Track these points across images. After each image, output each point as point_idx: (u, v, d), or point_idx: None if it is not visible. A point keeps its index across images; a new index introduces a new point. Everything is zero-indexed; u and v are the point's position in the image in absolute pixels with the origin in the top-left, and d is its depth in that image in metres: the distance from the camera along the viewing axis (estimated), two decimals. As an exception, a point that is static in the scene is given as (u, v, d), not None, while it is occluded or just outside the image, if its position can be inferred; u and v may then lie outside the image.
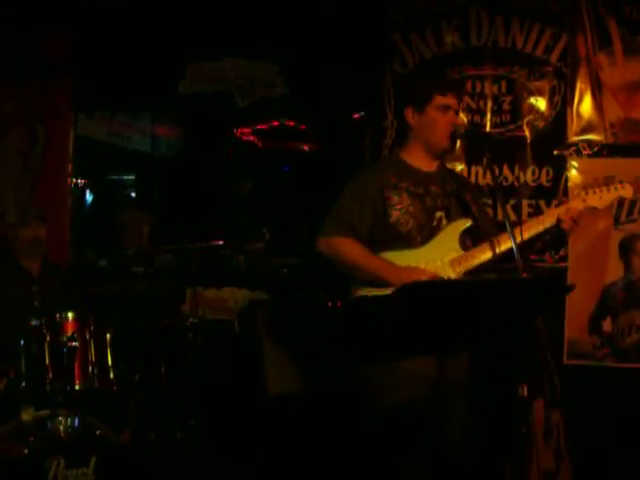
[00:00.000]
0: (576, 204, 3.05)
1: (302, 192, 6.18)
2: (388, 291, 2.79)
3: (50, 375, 3.47)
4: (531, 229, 3.03)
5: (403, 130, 3.32)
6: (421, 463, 2.90)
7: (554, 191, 4.48)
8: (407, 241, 3.07)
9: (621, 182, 3.12)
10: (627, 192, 3.08)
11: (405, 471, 2.92)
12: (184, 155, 7.25)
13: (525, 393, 2.98)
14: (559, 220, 3.00)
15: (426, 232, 3.08)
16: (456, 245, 3.05)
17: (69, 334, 3.53)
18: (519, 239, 2.87)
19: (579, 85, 4.49)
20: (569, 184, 4.46)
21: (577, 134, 4.48)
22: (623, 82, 4.45)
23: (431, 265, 2.99)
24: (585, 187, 3.15)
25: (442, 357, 2.55)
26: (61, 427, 3.37)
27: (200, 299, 4.26)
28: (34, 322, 3.49)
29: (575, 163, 4.48)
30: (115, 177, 8.02)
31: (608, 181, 4.12)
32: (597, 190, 3.07)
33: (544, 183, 4.50)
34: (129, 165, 7.69)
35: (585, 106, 4.48)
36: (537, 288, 2.44)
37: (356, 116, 4.97)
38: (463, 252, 3.04)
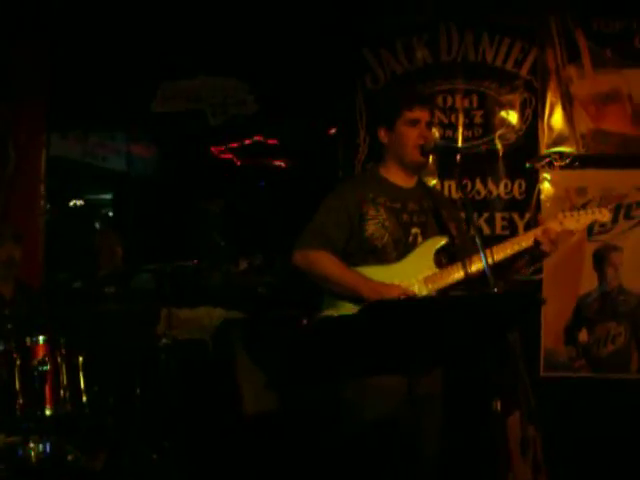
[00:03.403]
0: (553, 226, 3.05)
1: (277, 208, 6.17)
2: (355, 310, 2.80)
3: (21, 400, 3.42)
4: (506, 249, 3.02)
5: (376, 146, 3.33)
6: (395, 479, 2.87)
7: (527, 204, 4.50)
8: (382, 256, 3.06)
9: (598, 206, 3.15)
10: (604, 216, 3.09)
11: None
12: (160, 174, 7.22)
13: (499, 408, 2.98)
14: (538, 242, 3.00)
15: (401, 248, 3.07)
16: (431, 263, 3.04)
17: (40, 358, 3.48)
18: (492, 259, 2.88)
19: (549, 98, 4.53)
20: (542, 196, 4.49)
21: (549, 146, 4.52)
22: (592, 94, 4.50)
23: (405, 282, 2.98)
24: (563, 209, 3.16)
25: (413, 374, 2.53)
26: (32, 453, 3.33)
27: (174, 319, 4.23)
28: (2, 347, 3.44)
29: (547, 175, 4.51)
30: (91, 197, 7.98)
31: (589, 201, 4.20)
32: (575, 213, 3.08)
33: (517, 196, 4.52)
34: (105, 185, 7.65)
35: (556, 118, 4.52)
36: (507, 303, 2.44)
37: (329, 132, 4.98)
38: (438, 270, 3.03)
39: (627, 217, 4.41)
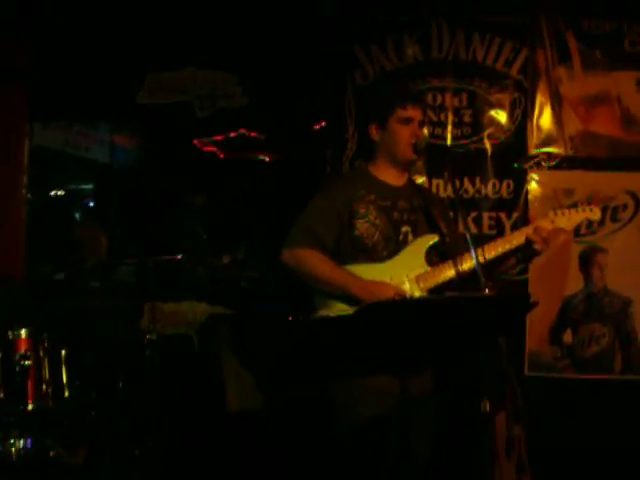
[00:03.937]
0: (545, 224, 3.03)
1: (263, 203, 6.13)
2: (350, 310, 2.78)
3: (2, 395, 3.37)
4: (498, 247, 3.01)
5: (364, 142, 3.30)
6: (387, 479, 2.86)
7: (515, 204, 4.50)
8: (372, 255, 3.04)
9: (590, 204, 3.15)
10: (595, 215, 3.09)
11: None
12: (143, 165, 7.16)
13: (487, 409, 2.97)
14: (530, 240, 2.99)
15: (392, 246, 3.05)
16: (422, 261, 3.02)
17: (22, 352, 3.43)
18: (483, 257, 2.88)
19: (539, 98, 4.52)
20: (529, 197, 4.49)
21: (537, 147, 4.52)
22: (582, 96, 4.51)
23: (396, 280, 2.96)
24: (554, 208, 3.15)
25: (405, 374, 2.51)
26: (13, 449, 3.27)
27: (159, 314, 4.18)
28: (-16, 340, 3.39)
29: (535, 176, 4.51)
30: (73, 187, 7.90)
31: (576, 202, 4.21)
32: (566, 211, 3.07)
33: (505, 196, 4.52)
34: (87, 175, 7.57)
35: (545, 119, 4.52)
36: (501, 306, 2.43)
37: (317, 127, 4.94)
38: (429, 268, 3.01)
39: (613, 219, 4.42)
